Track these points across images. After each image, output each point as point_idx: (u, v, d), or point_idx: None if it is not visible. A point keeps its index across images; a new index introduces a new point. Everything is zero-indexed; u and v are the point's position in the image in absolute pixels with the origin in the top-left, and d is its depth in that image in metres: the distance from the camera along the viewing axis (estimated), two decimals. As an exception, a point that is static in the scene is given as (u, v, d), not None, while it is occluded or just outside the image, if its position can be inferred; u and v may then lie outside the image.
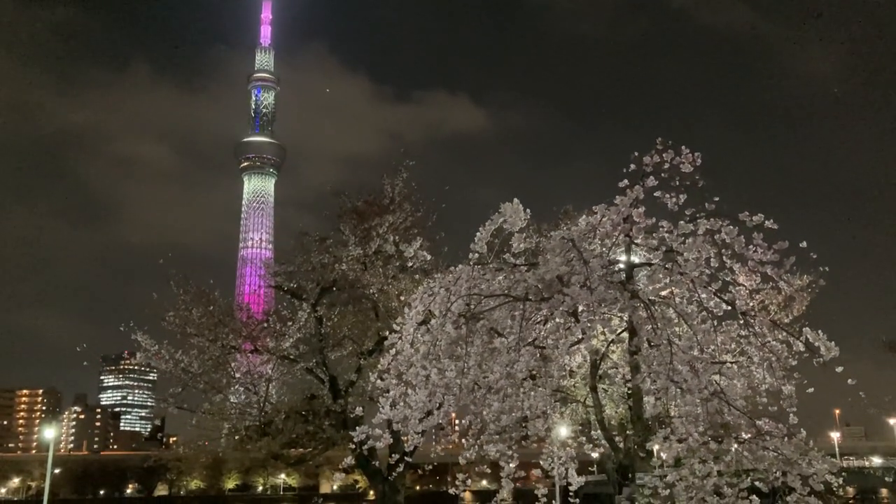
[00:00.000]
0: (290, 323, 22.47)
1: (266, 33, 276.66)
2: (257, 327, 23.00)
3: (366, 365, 21.86)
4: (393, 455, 12.48)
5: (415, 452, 12.33)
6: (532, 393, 10.61)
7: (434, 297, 11.17)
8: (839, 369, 10.83)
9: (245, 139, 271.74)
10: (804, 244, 10.32)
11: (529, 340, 10.58)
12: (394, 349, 11.61)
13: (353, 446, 11.45)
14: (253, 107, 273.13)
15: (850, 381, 11.70)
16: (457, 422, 11.89)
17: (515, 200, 11.25)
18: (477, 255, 11.18)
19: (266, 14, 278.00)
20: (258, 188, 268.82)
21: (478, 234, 11.28)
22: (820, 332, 10.82)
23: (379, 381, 11.67)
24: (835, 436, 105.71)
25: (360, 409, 13.22)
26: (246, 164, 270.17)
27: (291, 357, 22.74)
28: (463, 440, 11.21)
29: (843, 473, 11.12)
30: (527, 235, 11.73)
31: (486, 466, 11.60)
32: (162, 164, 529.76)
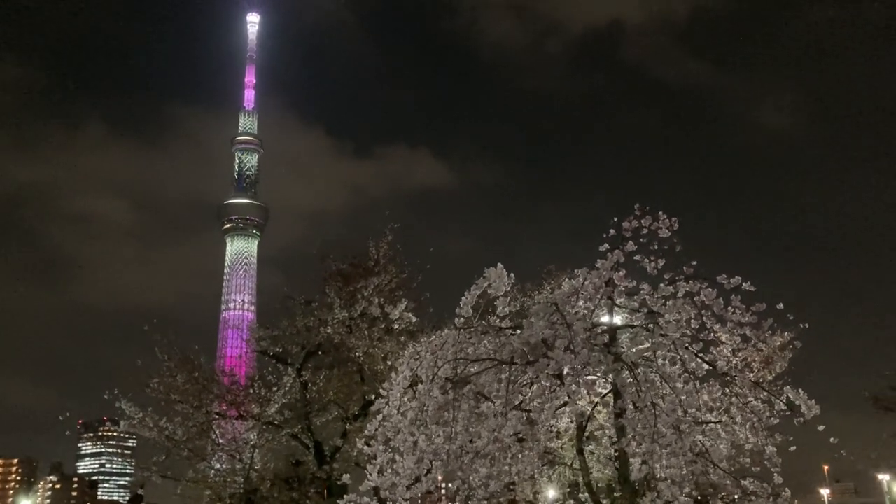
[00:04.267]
0: (274, 388, 22.35)
1: (250, 97, 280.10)
2: (241, 393, 22.84)
3: (352, 430, 21.72)
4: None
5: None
6: (520, 456, 10.66)
7: (421, 362, 11.28)
8: (821, 427, 11.01)
9: (228, 201, 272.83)
10: (780, 306, 10.62)
11: (516, 403, 10.68)
12: (381, 414, 11.64)
13: (342, 514, 11.36)
14: (236, 169, 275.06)
15: (832, 439, 11.88)
16: (443, 486, 11.85)
17: (500, 265, 11.48)
18: (462, 319, 11.34)
19: (250, 78, 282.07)
20: (241, 249, 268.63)
21: (462, 298, 11.46)
22: (800, 390, 11.02)
23: (366, 447, 11.66)
24: (824, 492, 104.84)
25: (347, 476, 13.13)
26: (229, 225, 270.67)
27: (276, 423, 22.55)
28: (449, 500, 11.17)
29: None
30: (511, 298, 11.93)
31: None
32: (122, 223, 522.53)
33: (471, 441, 10.52)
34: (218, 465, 23.18)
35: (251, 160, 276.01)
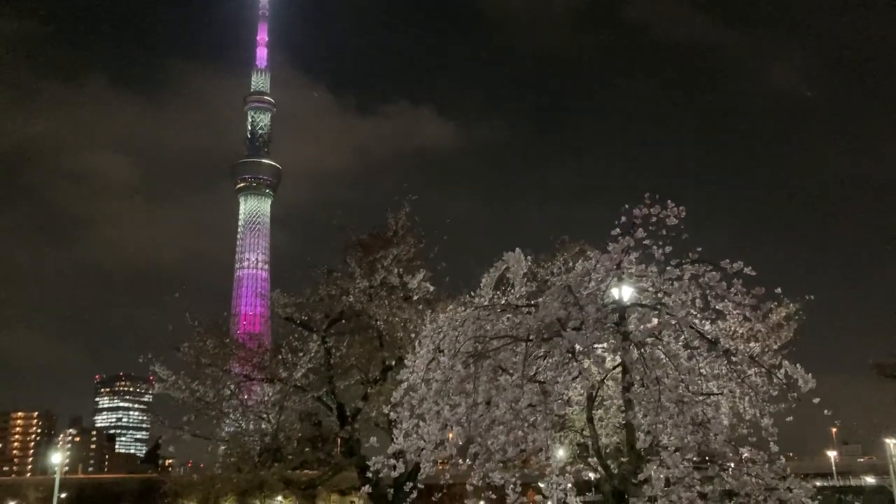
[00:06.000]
0: (300, 354, 23.40)
1: (262, 55, 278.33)
2: (269, 357, 23.95)
3: (372, 393, 22.82)
4: (407, 483, 13.43)
5: (424, 476, 13.30)
6: (536, 422, 11.57)
7: (443, 337, 12.18)
8: (816, 400, 11.83)
9: (241, 160, 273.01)
10: (779, 290, 11.42)
11: (531, 375, 11.58)
12: (405, 383, 12.56)
13: (370, 475, 12.35)
14: (249, 128, 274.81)
15: (826, 411, 12.72)
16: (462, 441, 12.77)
17: (518, 250, 12.29)
18: (482, 299, 12.20)
19: (262, 36, 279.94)
20: (254, 209, 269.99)
21: (483, 280, 12.31)
22: (798, 365, 11.84)
23: (392, 413, 12.61)
24: (832, 454, 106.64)
25: (375, 439, 14.14)
26: (242, 184, 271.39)
27: (300, 386, 23.66)
28: (470, 462, 12.11)
29: (819, 497, 12.07)
30: (528, 280, 12.77)
31: (490, 492, 12.54)
32: (127, 180, 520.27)
33: (488, 409, 11.46)
34: (244, 425, 24.40)
35: (264, 119, 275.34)
